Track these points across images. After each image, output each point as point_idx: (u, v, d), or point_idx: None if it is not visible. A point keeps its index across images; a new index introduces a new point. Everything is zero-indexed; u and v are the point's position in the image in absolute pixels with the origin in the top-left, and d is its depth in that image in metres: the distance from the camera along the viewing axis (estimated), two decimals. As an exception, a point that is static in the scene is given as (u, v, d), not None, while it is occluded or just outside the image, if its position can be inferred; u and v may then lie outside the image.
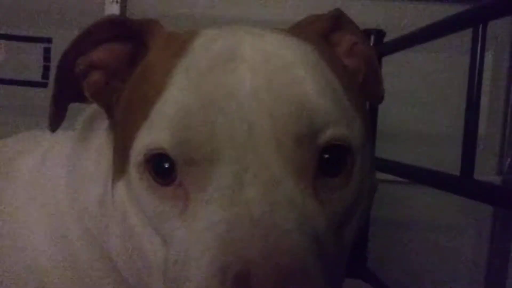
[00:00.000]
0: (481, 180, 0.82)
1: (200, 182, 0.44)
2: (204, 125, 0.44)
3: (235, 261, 0.38)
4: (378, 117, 1.35)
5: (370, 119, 0.57)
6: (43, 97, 1.64)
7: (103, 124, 0.62)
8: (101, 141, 0.62)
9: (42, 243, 0.62)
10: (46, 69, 1.66)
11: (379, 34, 1.33)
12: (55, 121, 0.59)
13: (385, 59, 1.31)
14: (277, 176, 0.43)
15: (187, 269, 0.42)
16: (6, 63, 1.67)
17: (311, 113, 0.45)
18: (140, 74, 0.54)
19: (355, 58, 0.60)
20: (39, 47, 1.67)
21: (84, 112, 0.68)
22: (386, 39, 1.34)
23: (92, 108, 0.67)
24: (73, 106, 0.61)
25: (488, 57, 1.61)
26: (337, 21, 0.61)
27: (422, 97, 1.64)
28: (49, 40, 1.66)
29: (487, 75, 1.61)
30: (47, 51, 1.67)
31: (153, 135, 0.46)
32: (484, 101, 1.62)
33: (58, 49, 1.65)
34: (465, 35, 0.88)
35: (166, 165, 0.45)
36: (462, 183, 0.84)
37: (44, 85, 1.66)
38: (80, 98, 0.59)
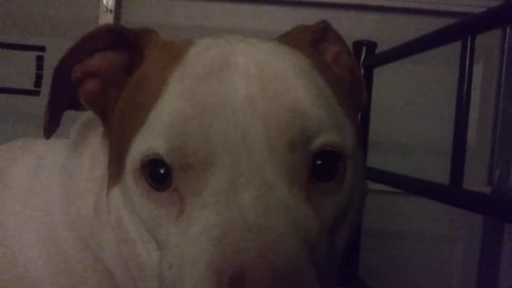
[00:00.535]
0: (470, 189, 0.83)
1: (195, 187, 0.45)
2: (199, 132, 0.45)
3: (230, 263, 0.39)
4: (369, 128, 1.36)
5: (361, 129, 0.58)
6: (36, 105, 1.64)
7: (98, 131, 0.63)
8: (95, 148, 0.62)
9: (35, 252, 0.62)
10: (39, 77, 1.66)
11: (371, 45, 1.35)
12: (50, 129, 0.59)
13: (376, 71, 1.32)
14: (270, 181, 0.44)
15: (183, 273, 0.42)
16: (-2, 71, 1.67)
17: (304, 120, 0.46)
18: (136, 82, 0.55)
19: (340, 67, 0.62)
20: (32, 55, 1.66)
21: (79, 119, 0.69)
22: (377, 51, 1.35)
23: (86, 115, 0.67)
24: (66, 114, 0.62)
25: (478, 69, 1.63)
26: (324, 31, 0.62)
27: (412, 108, 1.65)
28: (42, 48, 1.66)
29: (476, 86, 1.64)
30: (40, 59, 1.67)
31: (149, 141, 0.47)
32: (474, 112, 1.63)
33: (51, 58, 1.65)
34: (455, 48, 0.90)
35: (162, 171, 0.46)
36: (451, 192, 0.85)
37: (36, 93, 1.66)
38: (75, 105, 0.60)
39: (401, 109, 1.65)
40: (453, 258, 1.70)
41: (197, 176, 0.45)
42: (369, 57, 1.33)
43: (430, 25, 1.06)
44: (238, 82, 0.47)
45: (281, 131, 0.45)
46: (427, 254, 1.67)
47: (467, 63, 0.86)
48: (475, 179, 1.64)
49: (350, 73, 0.63)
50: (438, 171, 0.98)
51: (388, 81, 1.56)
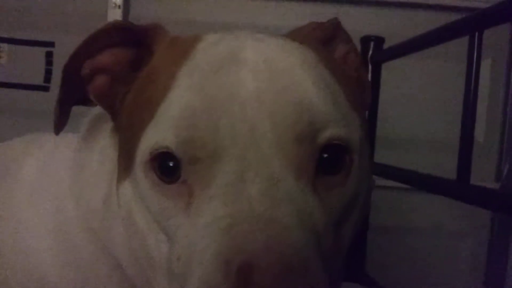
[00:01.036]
0: (477, 185, 0.83)
1: (204, 179, 0.45)
2: (208, 125, 0.45)
3: (238, 253, 0.39)
4: (377, 123, 1.36)
5: (369, 124, 0.58)
6: (45, 100, 1.65)
7: (107, 126, 0.64)
8: (105, 142, 0.63)
9: (45, 244, 0.63)
10: (48, 72, 1.67)
11: (379, 40, 1.35)
12: (60, 124, 0.60)
13: (384, 66, 1.32)
14: (277, 174, 0.44)
15: (191, 264, 0.43)
16: (8, 67, 1.68)
17: (311, 113, 0.47)
18: (145, 78, 0.55)
19: (348, 66, 0.62)
20: (42, 51, 1.68)
21: (88, 114, 0.69)
22: (385, 46, 1.35)
23: (96, 110, 0.68)
24: (74, 109, 0.63)
25: (487, 64, 1.63)
26: (335, 29, 0.63)
27: (420, 103, 1.65)
28: (51, 44, 1.67)
29: (485, 82, 1.63)
30: (49, 55, 1.68)
31: (158, 134, 0.47)
32: (482, 108, 1.63)
33: (60, 53, 1.66)
34: (463, 43, 0.90)
35: (171, 164, 0.47)
36: (458, 188, 0.85)
37: (46, 89, 1.67)
38: (85, 101, 0.61)
39: (409, 105, 1.65)
40: (461, 254, 1.70)
41: (206, 169, 0.45)
42: (377, 52, 1.32)
43: (438, 20, 1.06)
44: (246, 77, 0.48)
45: (289, 125, 0.46)
46: (435, 250, 1.67)
47: (475, 58, 0.86)
48: (483, 175, 1.64)
49: (356, 73, 0.63)
50: (446, 167, 0.98)
51: (396, 77, 1.56)
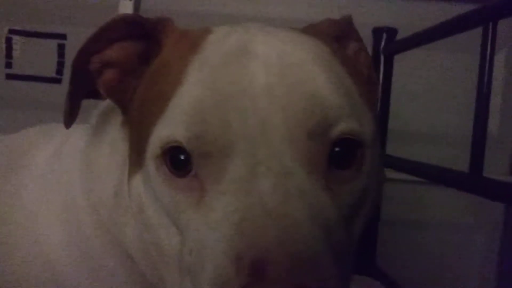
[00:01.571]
0: (490, 177, 0.82)
1: (215, 174, 0.45)
2: (219, 120, 0.45)
3: (250, 248, 0.39)
4: (389, 115, 1.35)
5: (381, 117, 0.58)
6: (58, 92, 1.66)
7: (117, 119, 0.64)
8: (114, 135, 0.63)
9: (56, 236, 0.63)
10: (60, 65, 1.68)
11: (391, 32, 1.34)
12: (71, 117, 0.61)
13: (396, 57, 1.31)
14: (289, 168, 0.44)
15: (203, 257, 0.43)
16: (21, 59, 1.69)
17: (323, 108, 0.46)
18: (154, 72, 0.55)
19: (359, 63, 0.62)
20: (54, 43, 1.68)
21: (98, 106, 0.70)
22: (397, 37, 1.34)
23: (106, 103, 0.68)
24: (85, 102, 0.63)
25: (501, 56, 1.61)
26: (348, 27, 0.63)
27: (433, 95, 1.64)
28: (63, 36, 1.67)
29: (500, 74, 1.61)
30: (61, 47, 1.68)
31: (169, 129, 0.47)
32: (497, 101, 1.61)
33: (72, 45, 1.67)
34: (477, 34, 0.89)
35: (182, 157, 0.47)
36: (470, 180, 0.85)
37: (58, 81, 1.68)
38: (95, 94, 0.61)
39: (422, 97, 1.63)
40: (474, 247, 1.69)
41: (217, 163, 0.45)
42: (389, 43, 1.31)
43: (451, 11, 1.05)
44: (257, 71, 0.48)
45: (301, 119, 0.46)
46: (447, 244, 1.66)
47: (489, 49, 0.85)
48: (497, 168, 1.62)
49: (367, 71, 0.64)
50: (459, 160, 0.97)
51: (408, 68, 1.55)
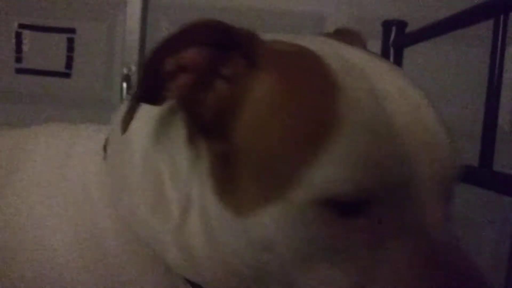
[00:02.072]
0: (500, 171, 0.82)
1: (390, 216, 0.46)
2: (396, 163, 0.45)
3: None
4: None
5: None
6: (66, 86, 1.67)
7: (177, 133, 0.58)
8: (173, 152, 0.58)
9: (66, 241, 0.61)
10: (70, 59, 1.69)
11: (401, 25, 1.32)
12: (130, 121, 0.55)
13: (406, 50, 1.30)
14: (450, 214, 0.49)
15: None
16: (30, 54, 1.70)
17: (458, 153, 0.50)
18: (271, 102, 0.51)
19: None
20: (63, 37, 1.69)
21: (119, 108, 0.65)
22: (407, 30, 1.33)
23: (124, 107, 0.66)
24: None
25: (512, 50, 1.59)
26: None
27: (443, 88, 1.62)
28: (72, 31, 1.68)
29: (510, 68, 1.59)
30: (70, 41, 1.69)
31: (341, 173, 0.45)
32: (507, 94, 1.60)
33: (81, 40, 1.68)
34: (488, 27, 0.88)
35: (353, 199, 0.46)
36: (480, 174, 0.84)
37: (67, 75, 1.69)
38: (156, 100, 0.55)
39: (431, 90, 1.62)
40: (484, 243, 1.68)
41: (393, 206, 0.45)
42: (399, 36, 1.30)
43: (462, 3, 1.03)
44: (402, 110, 0.48)
45: (454, 157, 0.49)
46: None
47: (499, 42, 0.84)
48: (507, 163, 1.61)
49: None
50: (468, 154, 0.96)
51: (418, 62, 1.54)
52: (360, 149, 0.45)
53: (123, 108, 0.64)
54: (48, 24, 1.68)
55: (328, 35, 0.63)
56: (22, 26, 1.69)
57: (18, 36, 1.70)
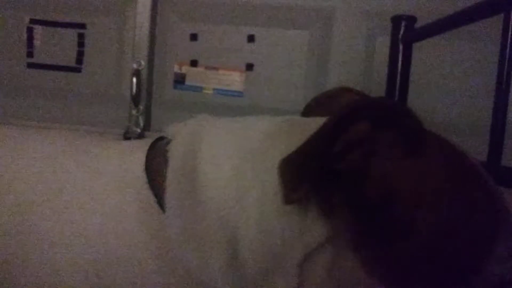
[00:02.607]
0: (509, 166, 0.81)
1: None
2: None
3: None
4: (407, 104, 1.34)
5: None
6: (77, 81, 1.68)
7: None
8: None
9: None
10: (80, 54, 1.70)
11: (410, 20, 1.32)
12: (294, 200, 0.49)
13: (416, 46, 1.30)
14: None
15: None
16: (41, 48, 1.71)
17: None
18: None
19: None
20: (74, 32, 1.70)
21: (189, 122, 0.61)
22: (416, 25, 1.32)
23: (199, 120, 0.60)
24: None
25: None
26: None
27: (452, 84, 1.62)
28: (82, 26, 1.69)
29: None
30: (81, 36, 1.70)
31: None
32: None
33: (91, 35, 1.69)
34: (498, 22, 0.87)
35: None
36: (488, 169, 0.84)
37: (78, 70, 1.70)
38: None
39: (441, 85, 1.61)
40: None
41: None
42: (408, 31, 1.30)
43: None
44: None
45: None
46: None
47: (509, 37, 0.84)
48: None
49: None
50: (477, 149, 0.96)
51: (427, 57, 1.54)
52: None
53: (193, 121, 0.60)
54: (59, 19, 1.69)
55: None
56: (33, 21, 1.71)
57: (30, 31, 1.71)
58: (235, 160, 0.53)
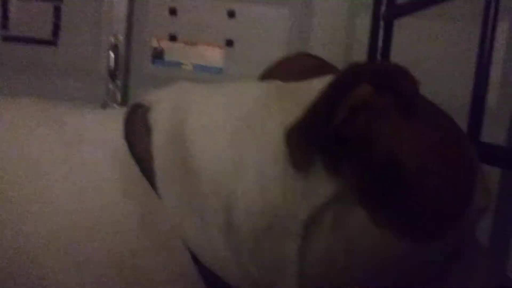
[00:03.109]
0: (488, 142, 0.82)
1: None
2: None
3: None
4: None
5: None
6: (53, 55, 1.65)
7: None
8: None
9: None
10: (56, 27, 1.67)
11: (392, -3, 1.32)
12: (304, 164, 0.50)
13: (396, 23, 1.30)
14: None
15: None
16: (17, 21, 1.68)
17: None
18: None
19: None
20: (50, 5, 1.67)
21: (176, 84, 0.62)
22: (398, 2, 1.32)
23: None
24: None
25: (503, 28, 1.59)
26: None
27: (433, 63, 1.62)
28: (59, -2, 1.66)
29: (501, 45, 1.59)
30: (57, 9, 1.67)
31: None
32: (497, 72, 1.60)
33: (68, 8, 1.66)
34: (480, 2, 0.87)
35: None
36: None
37: (54, 43, 1.67)
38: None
39: (421, 64, 1.61)
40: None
41: None
42: (389, 7, 1.29)
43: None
44: None
45: None
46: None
47: (491, 18, 0.83)
48: (495, 139, 1.62)
49: None
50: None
51: (408, 36, 1.54)
52: None
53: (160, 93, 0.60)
54: (35, -9, 1.66)
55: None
56: (8, -7, 1.67)
57: (5, 3, 1.67)
58: (229, 129, 0.53)
